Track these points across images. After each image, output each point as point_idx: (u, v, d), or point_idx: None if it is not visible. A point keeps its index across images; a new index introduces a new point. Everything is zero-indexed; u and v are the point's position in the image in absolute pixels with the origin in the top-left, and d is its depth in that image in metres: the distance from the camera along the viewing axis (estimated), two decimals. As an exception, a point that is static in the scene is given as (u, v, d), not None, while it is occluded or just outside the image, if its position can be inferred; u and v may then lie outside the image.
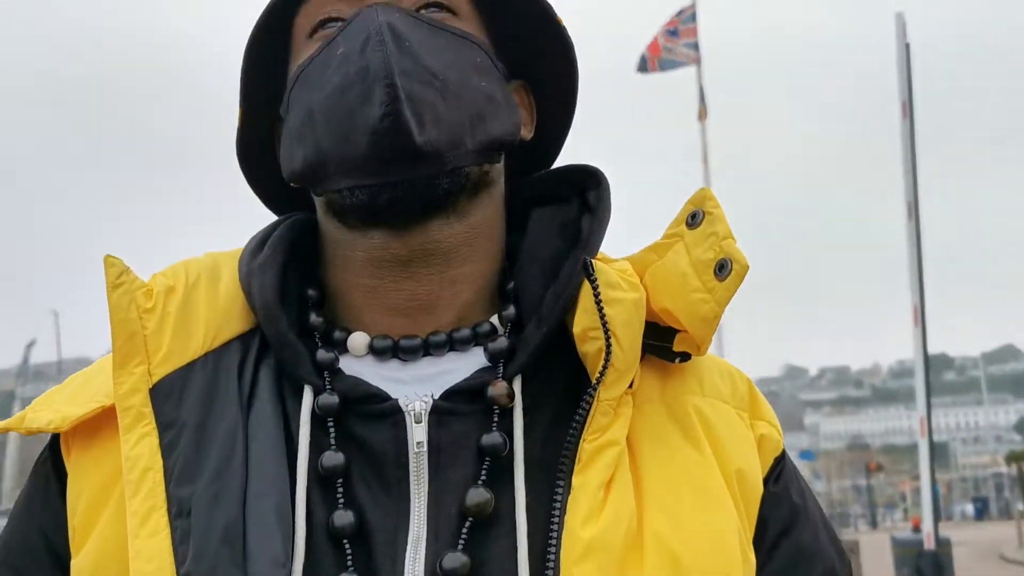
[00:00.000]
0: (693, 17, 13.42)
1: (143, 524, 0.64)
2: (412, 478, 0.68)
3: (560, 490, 0.67)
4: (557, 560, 0.64)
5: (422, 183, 0.69)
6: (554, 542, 0.65)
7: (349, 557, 0.65)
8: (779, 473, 0.75)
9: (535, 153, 0.84)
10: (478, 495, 0.66)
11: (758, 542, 0.71)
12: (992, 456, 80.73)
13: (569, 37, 0.81)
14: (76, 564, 0.68)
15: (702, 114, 13.36)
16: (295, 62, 0.77)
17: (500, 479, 0.68)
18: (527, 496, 0.67)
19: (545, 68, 0.83)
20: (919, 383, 9.27)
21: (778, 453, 0.76)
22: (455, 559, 0.64)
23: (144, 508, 0.65)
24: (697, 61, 13.31)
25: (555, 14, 0.80)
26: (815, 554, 0.74)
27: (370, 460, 0.69)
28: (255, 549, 0.63)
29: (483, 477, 0.67)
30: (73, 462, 0.72)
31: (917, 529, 11.23)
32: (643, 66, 13.34)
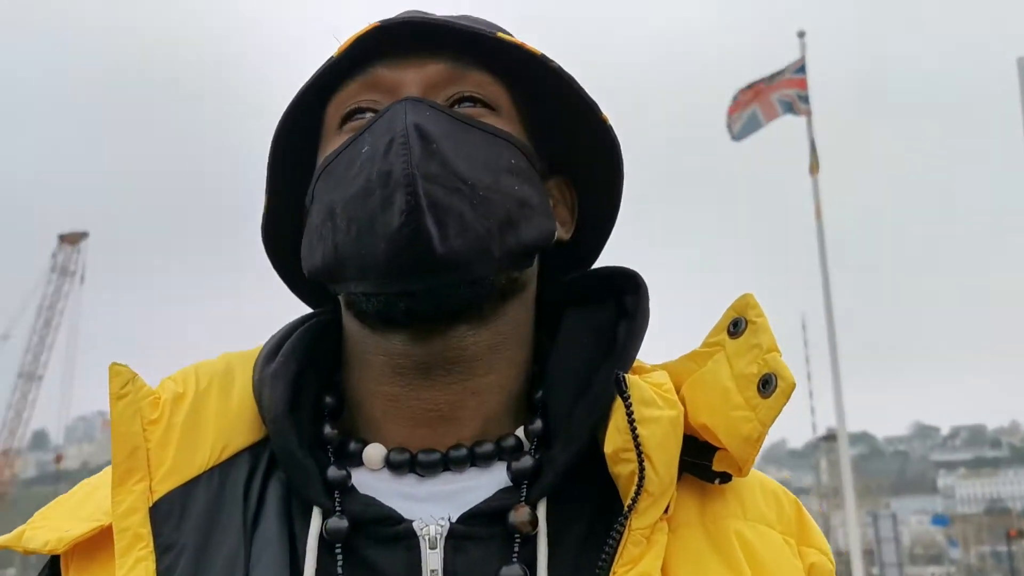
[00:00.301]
0: (803, 69, 13.29)
1: None
2: None
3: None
4: None
5: (441, 293, 0.66)
6: None
7: None
8: None
9: (578, 249, 0.81)
10: None
11: None
12: None
13: (614, 134, 0.77)
14: None
15: (814, 167, 13.14)
16: (323, 151, 0.74)
17: None
18: None
19: (590, 163, 0.79)
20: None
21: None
22: None
23: None
24: (808, 113, 13.14)
25: (600, 111, 0.76)
26: None
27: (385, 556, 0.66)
28: None
29: None
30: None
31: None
32: (754, 124, 13.18)
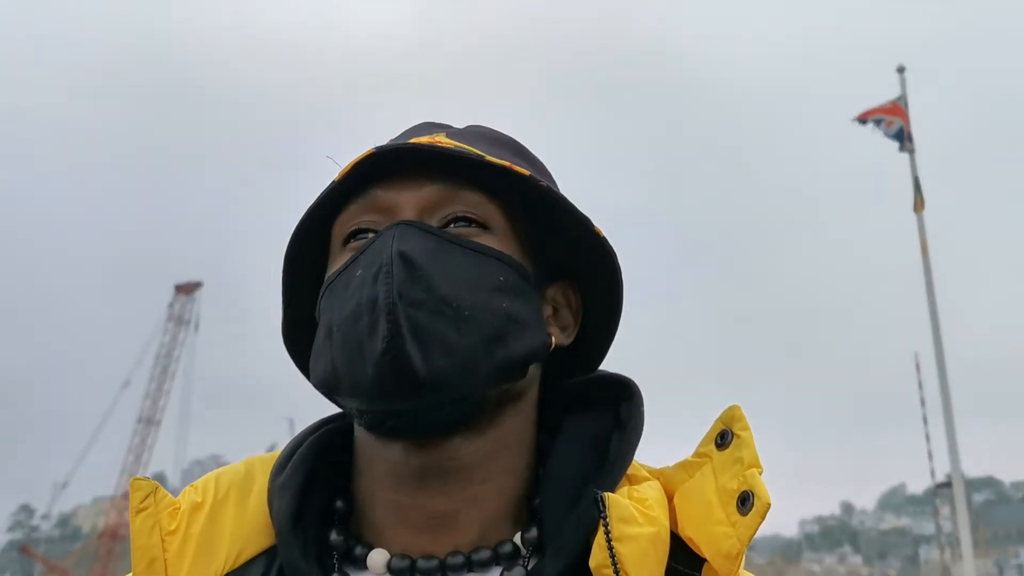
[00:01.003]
0: (905, 104, 12.97)
1: None
2: None
3: None
4: None
5: (425, 412, 0.69)
6: None
7: None
8: None
9: (586, 349, 0.83)
10: None
11: None
12: None
13: (609, 246, 0.80)
14: None
15: (919, 205, 12.74)
16: (331, 267, 0.78)
17: None
18: None
19: (592, 268, 0.82)
20: None
21: None
22: None
23: None
24: (911, 151, 12.78)
25: (592, 225, 0.79)
26: None
27: None
28: None
29: None
30: None
31: None
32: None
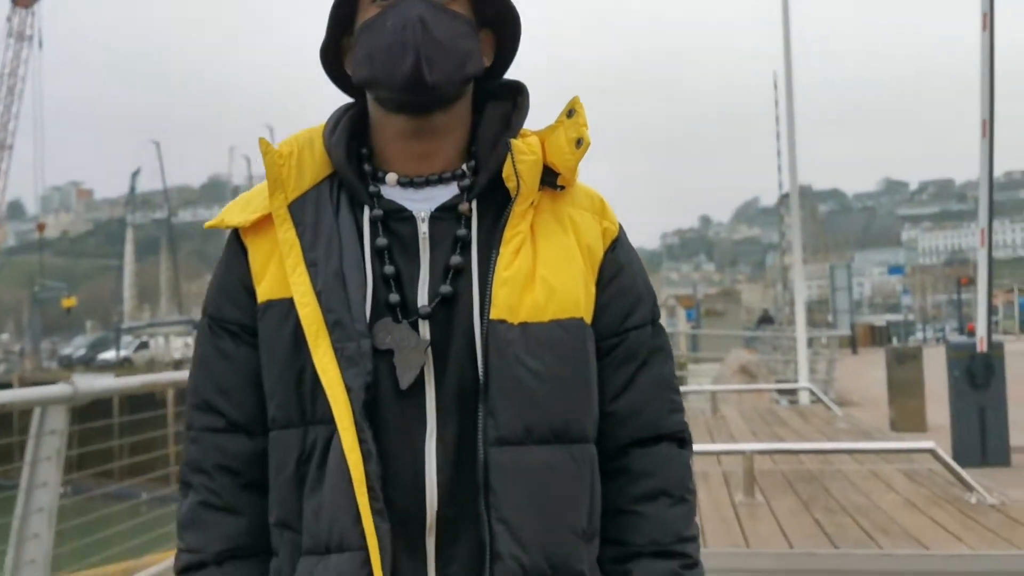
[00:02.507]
0: None
1: (293, 271, 1.16)
2: (421, 251, 1.17)
3: (494, 254, 1.16)
4: (491, 286, 1.14)
5: (426, 99, 1.17)
6: (490, 278, 1.15)
7: (393, 286, 1.16)
8: (614, 247, 1.27)
9: (496, 69, 1.31)
10: (455, 259, 1.17)
11: (598, 282, 1.24)
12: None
13: (514, 7, 1.28)
14: (259, 290, 1.20)
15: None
16: (361, 16, 1.21)
17: (465, 252, 1.17)
18: (478, 258, 1.17)
19: (502, 21, 1.29)
20: (983, 195, 9.44)
21: (613, 237, 1.27)
22: (445, 288, 1.15)
23: (292, 263, 1.16)
24: None
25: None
26: (632, 288, 1.26)
27: (401, 242, 1.18)
28: (350, 281, 1.14)
29: (457, 251, 1.18)
30: (249, 242, 1.22)
31: (972, 334, 11.54)
32: None
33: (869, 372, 20.45)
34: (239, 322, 1.21)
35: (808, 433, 8.17)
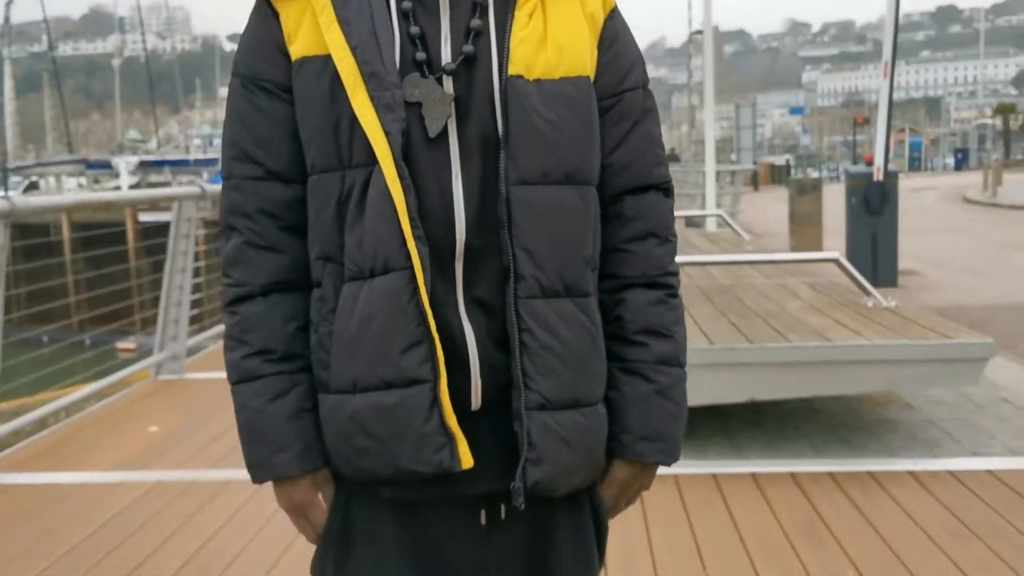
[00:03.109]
0: None
1: (328, 28, 1.21)
2: (442, 14, 1.23)
3: (510, 17, 1.24)
4: (508, 46, 1.23)
5: None
6: (507, 38, 1.23)
7: (419, 44, 1.23)
8: (612, 16, 1.38)
9: None
10: (475, 22, 1.24)
11: (599, 45, 1.35)
12: (981, 110, 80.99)
13: None
14: (293, 49, 1.25)
15: None
16: None
17: (484, 17, 1.25)
18: (495, 20, 1.25)
19: None
20: (888, 29, 9.73)
21: (611, 7, 1.38)
22: (467, 48, 1.23)
23: (326, 21, 1.22)
24: None
25: None
26: (627, 54, 1.38)
27: (423, 5, 1.24)
28: (381, 39, 1.21)
29: (477, 14, 1.25)
30: (280, 5, 1.27)
31: (869, 164, 12.11)
32: None
33: (770, 207, 21.36)
34: (273, 79, 1.27)
35: (720, 253, 8.59)
